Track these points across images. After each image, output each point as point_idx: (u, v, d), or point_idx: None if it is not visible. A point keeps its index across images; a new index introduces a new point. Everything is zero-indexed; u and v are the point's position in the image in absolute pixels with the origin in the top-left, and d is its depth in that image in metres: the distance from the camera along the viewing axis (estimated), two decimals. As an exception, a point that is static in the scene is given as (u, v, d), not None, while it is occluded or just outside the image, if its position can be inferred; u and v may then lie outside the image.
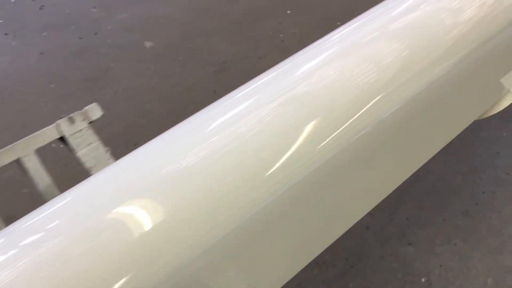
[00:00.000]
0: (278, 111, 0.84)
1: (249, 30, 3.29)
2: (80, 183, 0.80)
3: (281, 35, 3.25)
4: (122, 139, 2.48)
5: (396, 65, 0.95)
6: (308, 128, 0.83)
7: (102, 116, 1.41)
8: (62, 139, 1.33)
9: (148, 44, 3.16)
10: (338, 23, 1.26)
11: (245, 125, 0.82)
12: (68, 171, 1.56)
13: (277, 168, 0.78)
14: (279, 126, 0.81)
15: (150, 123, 2.61)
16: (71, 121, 1.31)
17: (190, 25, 3.32)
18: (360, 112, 0.87)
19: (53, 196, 1.05)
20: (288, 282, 0.90)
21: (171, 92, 2.80)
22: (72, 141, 1.30)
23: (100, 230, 0.66)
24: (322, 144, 0.82)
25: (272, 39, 3.21)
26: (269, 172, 0.78)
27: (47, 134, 1.30)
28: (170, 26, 3.31)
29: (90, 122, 1.36)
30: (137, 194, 0.72)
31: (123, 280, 0.62)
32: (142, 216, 0.69)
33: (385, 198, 1.07)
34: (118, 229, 0.66)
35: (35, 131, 1.32)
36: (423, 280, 1.87)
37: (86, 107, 1.38)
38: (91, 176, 0.84)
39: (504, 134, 2.43)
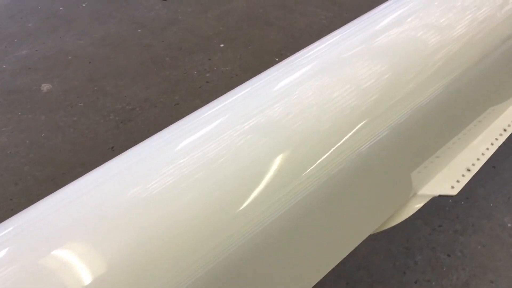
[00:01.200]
0: (248, 138, 0.80)
1: (171, 68, 2.79)
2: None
3: (208, 74, 2.75)
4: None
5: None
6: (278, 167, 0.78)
7: None
8: None
9: (45, 87, 2.66)
10: (277, 59, 1.29)
11: (214, 151, 0.77)
12: None
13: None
14: (248, 157, 0.77)
15: (22, 192, 2.08)
16: None
17: (101, 62, 2.83)
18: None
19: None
20: None
21: (58, 150, 2.28)
22: None
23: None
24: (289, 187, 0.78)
25: (195, 80, 2.71)
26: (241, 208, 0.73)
27: None
28: (78, 64, 2.81)
29: None
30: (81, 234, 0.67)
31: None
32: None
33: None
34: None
35: None
36: None
37: None
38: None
39: (450, 200, 1.92)
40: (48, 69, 2.78)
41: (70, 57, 2.86)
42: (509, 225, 1.85)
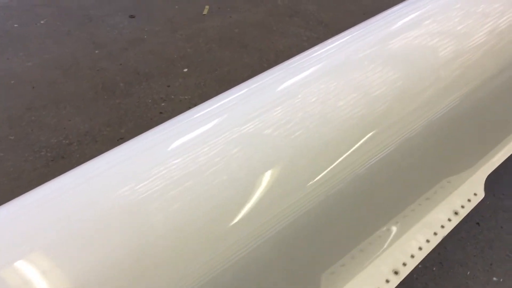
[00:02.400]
0: (243, 146, 0.75)
1: (123, 95, 2.47)
2: None
3: (163, 104, 2.42)
4: None
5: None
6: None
7: None
8: None
9: (-23, 115, 2.36)
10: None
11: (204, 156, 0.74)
12: None
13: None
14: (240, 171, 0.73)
15: None
16: None
17: (46, 87, 2.53)
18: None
19: None
20: None
21: (-28, 193, 1.96)
22: None
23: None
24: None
25: (148, 110, 2.39)
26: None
27: None
28: (20, 90, 2.52)
29: None
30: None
31: None
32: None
33: None
34: None
35: None
36: None
37: None
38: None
39: (419, 265, 1.53)
40: (-14, 94, 2.49)
41: (13, 81, 2.57)
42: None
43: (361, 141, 0.83)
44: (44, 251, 0.63)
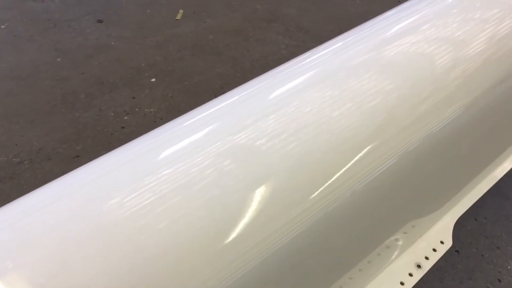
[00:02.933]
0: (234, 159, 0.72)
1: (83, 108, 2.29)
2: None
3: (126, 117, 2.25)
4: None
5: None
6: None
7: None
8: None
9: None
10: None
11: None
12: None
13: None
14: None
15: None
16: None
17: (0, 100, 2.33)
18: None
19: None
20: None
21: None
22: None
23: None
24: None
25: (109, 124, 2.21)
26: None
27: None
28: None
29: None
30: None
31: None
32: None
33: None
34: None
35: None
36: None
37: None
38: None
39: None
40: None
41: (-36, 92, 2.37)
42: None
43: (359, 155, 0.80)
44: (18, 271, 0.59)
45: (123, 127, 2.20)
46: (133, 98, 2.38)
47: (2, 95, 2.37)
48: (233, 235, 0.68)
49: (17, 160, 2.03)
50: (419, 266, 0.98)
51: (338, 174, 0.78)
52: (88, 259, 0.61)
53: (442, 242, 1.03)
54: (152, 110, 2.30)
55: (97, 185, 0.71)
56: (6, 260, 0.61)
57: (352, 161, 0.80)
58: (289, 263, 0.76)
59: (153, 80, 2.50)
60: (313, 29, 2.99)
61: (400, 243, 1.01)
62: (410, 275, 0.97)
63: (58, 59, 2.64)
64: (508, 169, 1.26)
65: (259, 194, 0.72)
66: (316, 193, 0.76)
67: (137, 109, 2.31)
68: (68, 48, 2.73)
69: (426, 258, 1.01)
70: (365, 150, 0.82)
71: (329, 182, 0.77)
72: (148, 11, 3.12)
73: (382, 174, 0.83)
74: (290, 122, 0.80)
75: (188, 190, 0.68)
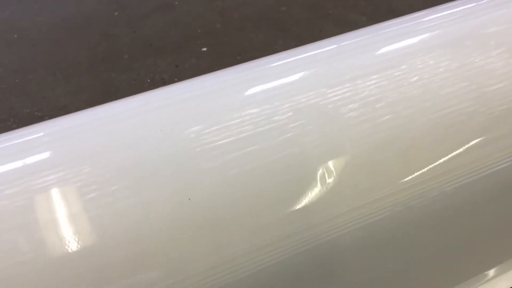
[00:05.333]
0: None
1: (121, 70, 2.21)
2: None
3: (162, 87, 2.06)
4: None
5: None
6: None
7: None
8: None
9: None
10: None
11: None
12: None
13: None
14: None
15: None
16: None
17: (45, 48, 2.35)
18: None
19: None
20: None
21: None
22: None
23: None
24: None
25: (141, 91, 2.04)
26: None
27: None
28: (18, 46, 2.38)
29: None
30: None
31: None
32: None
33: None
34: None
35: None
36: None
37: None
38: None
39: None
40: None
41: (16, 36, 2.38)
42: None
43: (461, 148, 0.70)
44: (78, 184, 0.56)
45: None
46: (176, 66, 2.19)
47: (49, 43, 2.34)
48: (306, 203, 0.62)
49: (39, 114, 1.96)
50: None
51: (428, 167, 0.68)
52: (144, 182, 0.58)
53: None
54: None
55: (179, 108, 0.67)
56: (83, 163, 0.59)
57: (451, 154, 0.70)
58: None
59: (204, 49, 2.29)
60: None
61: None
62: None
63: (116, 13, 2.54)
64: None
65: (331, 170, 0.65)
66: (394, 186, 0.67)
67: (176, 79, 2.12)
68: (128, 3, 2.61)
69: None
70: (471, 143, 0.71)
71: (411, 176, 0.67)
72: (225, -28, 2.90)
73: (487, 177, 0.71)
74: (391, 90, 0.72)
75: (268, 140, 0.63)
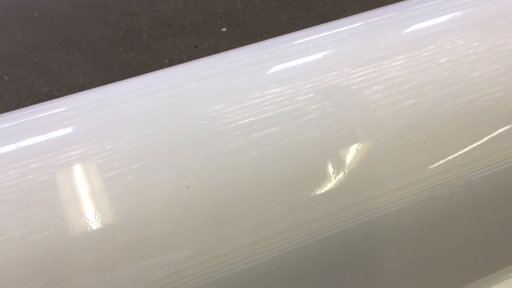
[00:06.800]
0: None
1: (140, 50, 2.22)
2: None
3: (181, 68, 2.06)
4: None
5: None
6: None
7: None
8: None
9: (-14, 47, 2.23)
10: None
11: None
12: None
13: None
14: None
15: None
16: None
17: (65, 27, 2.36)
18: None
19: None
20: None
21: None
22: None
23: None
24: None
25: (160, 72, 2.05)
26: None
27: None
28: (38, 25, 2.39)
29: None
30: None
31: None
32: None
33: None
34: None
35: None
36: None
37: None
38: None
39: None
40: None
41: (36, 14, 2.40)
42: None
43: (489, 136, 0.67)
44: (102, 159, 0.56)
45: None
46: (195, 47, 2.18)
47: (70, 22, 2.35)
48: (325, 189, 0.61)
49: (57, 94, 1.99)
50: None
51: (453, 155, 0.66)
52: (165, 160, 0.57)
53: None
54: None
55: (200, 86, 0.67)
56: (106, 139, 0.59)
57: (477, 142, 0.67)
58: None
59: (224, 29, 2.27)
60: None
61: None
62: None
63: (135, -8, 2.53)
64: None
65: (353, 154, 0.63)
66: (417, 174, 0.65)
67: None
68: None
69: None
70: (499, 131, 0.68)
71: (436, 164, 0.65)
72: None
73: (510, 169, 0.69)
74: (418, 72, 0.70)
75: (289, 121, 0.62)
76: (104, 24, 2.33)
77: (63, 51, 2.18)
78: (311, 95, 0.65)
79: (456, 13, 0.81)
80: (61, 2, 2.47)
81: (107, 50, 2.18)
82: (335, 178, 0.62)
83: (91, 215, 0.53)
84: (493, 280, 0.84)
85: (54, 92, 1.99)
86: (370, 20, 0.80)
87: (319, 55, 0.72)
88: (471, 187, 0.69)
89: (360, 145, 0.64)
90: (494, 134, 0.68)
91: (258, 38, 2.22)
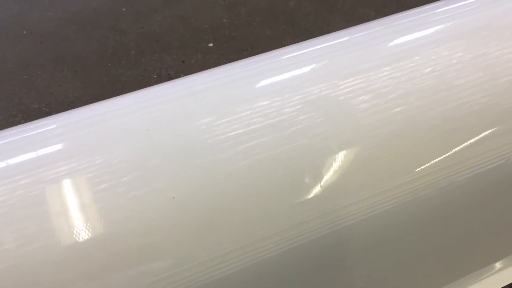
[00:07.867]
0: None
1: (128, 66, 2.27)
2: None
3: (169, 82, 2.12)
4: None
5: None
6: None
7: None
8: None
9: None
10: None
11: None
12: None
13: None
14: None
15: None
16: None
17: (54, 44, 2.41)
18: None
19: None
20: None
21: None
22: None
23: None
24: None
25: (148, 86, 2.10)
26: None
27: None
28: (27, 42, 2.43)
29: None
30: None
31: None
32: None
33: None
34: None
35: None
36: None
37: None
38: None
39: None
40: (-6, 42, 2.40)
41: (25, 32, 2.45)
42: None
43: (474, 139, 0.71)
44: (90, 176, 0.58)
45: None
46: (183, 62, 2.24)
47: (58, 39, 2.40)
48: (314, 194, 0.63)
49: (47, 110, 2.03)
50: None
51: (439, 158, 0.69)
52: (155, 172, 0.59)
53: None
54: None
55: (190, 101, 0.69)
56: (95, 154, 0.61)
57: (463, 144, 0.70)
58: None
59: (211, 44, 2.34)
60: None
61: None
62: None
63: (123, 9, 2.60)
64: None
65: (341, 160, 0.66)
66: (404, 177, 0.68)
67: (182, 75, 2.17)
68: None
69: None
70: (484, 133, 0.72)
71: (422, 166, 0.68)
72: (232, -33, 2.94)
73: (499, 167, 0.72)
74: (404, 81, 0.72)
75: (278, 131, 0.64)
76: (92, 41, 2.39)
77: (52, 68, 2.23)
78: (299, 106, 0.67)
79: (440, 26, 0.83)
80: (50, 20, 2.53)
81: (96, 66, 2.24)
82: (321, 186, 0.64)
83: (81, 228, 0.55)
84: (474, 279, 0.87)
85: (44, 109, 2.03)
86: (356, 35, 0.82)
87: (307, 68, 0.74)
88: (456, 187, 0.71)
89: (348, 153, 0.66)
90: (478, 137, 0.71)
91: (245, 53, 2.29)
